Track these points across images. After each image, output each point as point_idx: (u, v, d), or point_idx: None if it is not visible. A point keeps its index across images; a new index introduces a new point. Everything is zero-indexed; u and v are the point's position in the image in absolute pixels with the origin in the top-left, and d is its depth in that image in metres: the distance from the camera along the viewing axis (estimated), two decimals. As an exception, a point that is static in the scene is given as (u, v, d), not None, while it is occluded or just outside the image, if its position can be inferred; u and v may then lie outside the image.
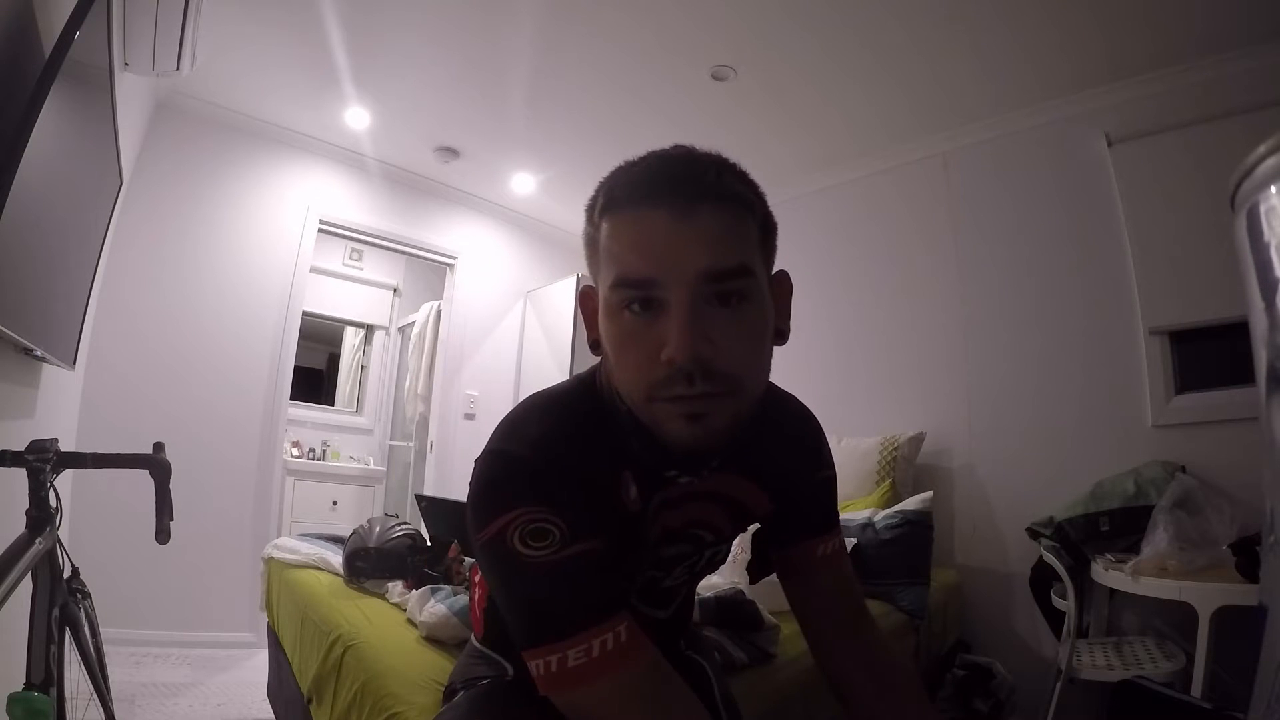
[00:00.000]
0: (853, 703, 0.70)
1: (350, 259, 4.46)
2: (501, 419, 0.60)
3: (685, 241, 0.50)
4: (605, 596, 0.53)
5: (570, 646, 0.50)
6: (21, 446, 0.91)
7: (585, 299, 0.62)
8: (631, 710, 0.52)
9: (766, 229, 0.57)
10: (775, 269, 0.60)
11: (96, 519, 2.20)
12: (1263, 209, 1.00)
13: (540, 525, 0.51)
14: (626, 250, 0.52)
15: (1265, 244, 1.00)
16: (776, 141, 2.84)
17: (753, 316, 0.54)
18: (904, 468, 2.40)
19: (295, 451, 3.91)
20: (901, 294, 2.75)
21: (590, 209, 0.57)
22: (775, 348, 0.59)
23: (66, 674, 0.99)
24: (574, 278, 3.46)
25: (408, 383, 4.13)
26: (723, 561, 0.76)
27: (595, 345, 0.60)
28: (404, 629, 1.24)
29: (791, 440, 0.73)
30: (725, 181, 0.54)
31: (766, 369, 0.57)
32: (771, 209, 0.59)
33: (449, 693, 0.82)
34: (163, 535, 1.04)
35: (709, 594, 1.35)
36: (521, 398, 0.73)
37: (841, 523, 2.27)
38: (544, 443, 0.56)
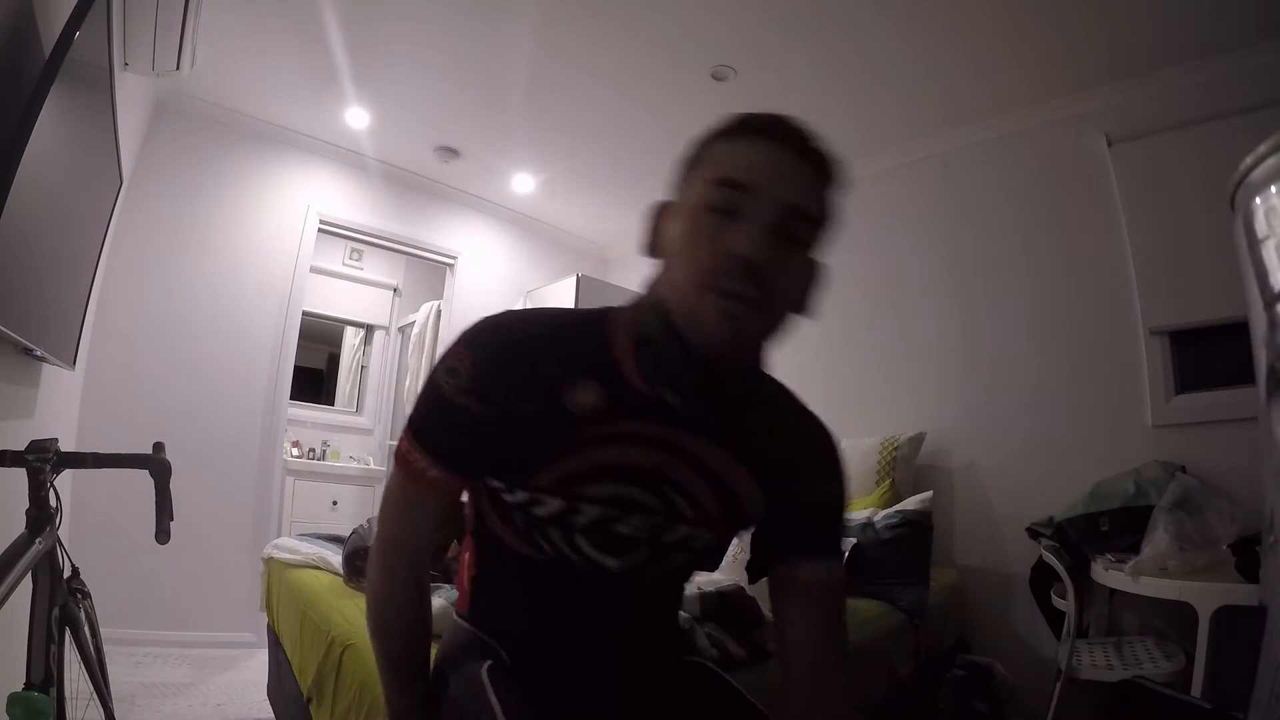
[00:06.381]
0: None
1: (350, 259, 4.45)
2: None
3: (787, 174, 0.59)
4: (455, 445, 0.65)
5: (416, 448, 0.66)
6: (21, 446, 0.91)
7: (658, 213, 0.67)
8: (398, 500, 0.70)
9: (833, 220, 0.64)
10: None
11: (96, 519, 2.20)
12: (1263, 209, 1.00)
13: (457, 366, 0.64)
14: (740, 159, 0.59)
15: (1265, 243, 1.00)
16: (776, 141, 2.83)
17: (802, 263, 0.62)
18: (904, 468, 2.39)
19: (295, 451, 3.91)
20: (902, 294, 2.75)
21: (709, 134, 0.64)
22: (800, 318, 0.65)
23: (66, 674, 0.99)
24: (574, 278, 3.46)
25: (408, 383, 4.13)
26: (710, 556, 0.74)
27: (652, 249, 0.66)
28: (404, 629, 1.24)
29: (799, 447, 0.72)
30: (829, 158, 0.62)
31: (792, 310, 0.63)
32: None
33: (438, 673, 0.75)
34: (163, 535, 1.04)
35: (710, 588, 1.35)
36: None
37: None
38: (521, 326, 0.66)
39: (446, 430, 0.65)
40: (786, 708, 0.70)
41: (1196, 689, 1.40)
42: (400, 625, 0.71)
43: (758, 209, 0.58)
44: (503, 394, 0.63)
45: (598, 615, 0.70)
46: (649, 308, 0.63)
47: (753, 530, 0.76)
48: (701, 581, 1.41)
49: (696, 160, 0.63)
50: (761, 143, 0.59)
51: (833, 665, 0.70)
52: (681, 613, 1.27)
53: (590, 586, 0.69)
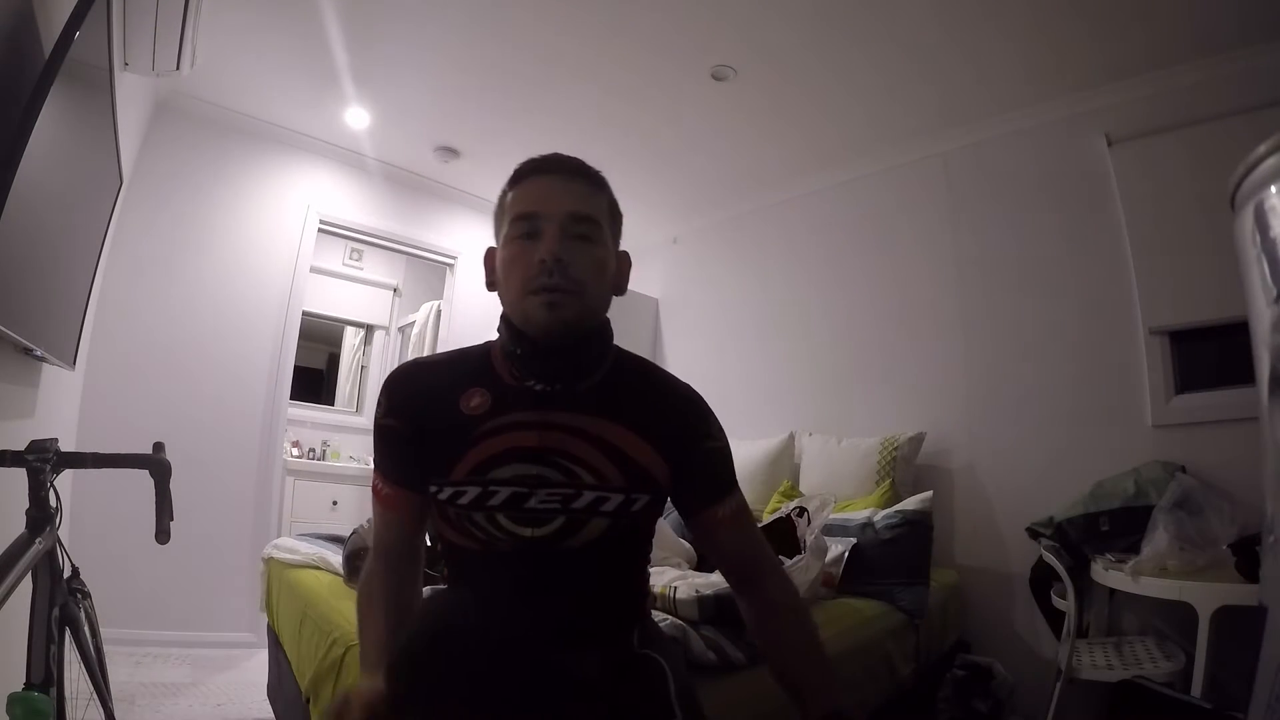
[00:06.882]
0: (758, 642, 0.88)
1: (350, 259, 4.45)
2: None
3: (562, 193, 0.77)
4: (395, 462, 0.83)
5: (377, 474, 0.85)
6: (21, 446, 0.91)
7: (489, 256, 0.85)
8: (375, 522, 0.87)
9: (614, 212, 0.83)
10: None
11: (96, 519, 2.20)
12: (1264, 208, 1.00)
13: (380, 399, 0.83)
14: (524, 198, 0.78)
15: (1269, 241, 1.00)
16: (777, 141, 2.83)
17: (597, 254, 0.78)
18: (904, 468, 2.39)
19: (295, 451, 3.90)
20: (902, 294, 2.75)
21: (505, 187, 0.82)
22: (617, 298, 0.84)
23: (66, 674, 1.00)
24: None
25: (408, 383, 4.12)
26: (629, 520, 0.79)
27: (491, 285, 0.84)
28: (404, 629, 1.24)
29: (676, 410, 0.85)
30: (592, 173, 0.81)
31: (606, 294, 0.81)
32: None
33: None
34: (163, 535, 1.04)
35: (709, 592, 1.35)
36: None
37: (841, 523, 2.25)
38: (419, 363, 0.87)
39: (387, 451, 0.83)
40: (748, 610, 0.86)
41: (1196, 689, 1.40)
42: (378, 610, 0.84)
43: (547, 223, 0.75)
44: (413, 411, 0.81)
45: (534, 590, 0.78)
46: (504, 325, 0.81)
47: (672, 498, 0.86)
48: (700, 585, 1.41)
49: (501, 210, 0.82)
50: (538, 178, 0.78)
51: (768, 559, 0.87)
52: (676, 620, 1.28)
53: (522, 563, 0.78)
